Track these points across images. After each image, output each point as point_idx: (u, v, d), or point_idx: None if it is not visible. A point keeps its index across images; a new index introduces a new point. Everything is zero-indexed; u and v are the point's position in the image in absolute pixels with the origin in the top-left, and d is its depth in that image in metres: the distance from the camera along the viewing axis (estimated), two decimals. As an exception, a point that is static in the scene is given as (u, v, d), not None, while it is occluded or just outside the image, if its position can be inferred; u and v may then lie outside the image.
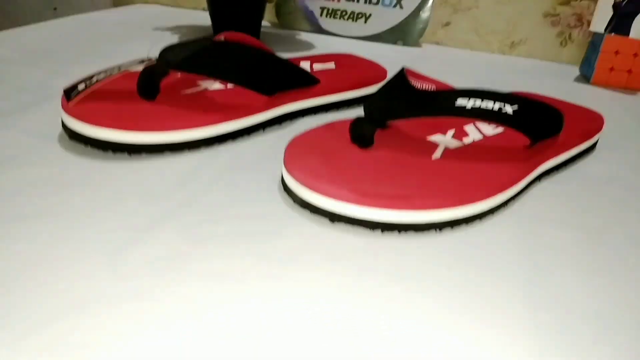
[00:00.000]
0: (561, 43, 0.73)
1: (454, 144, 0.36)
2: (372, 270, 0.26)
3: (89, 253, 0.26)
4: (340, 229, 0.30)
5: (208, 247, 0.27)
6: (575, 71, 0.70)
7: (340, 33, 0.78)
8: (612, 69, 0.64)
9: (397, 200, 0.29)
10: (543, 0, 0.72)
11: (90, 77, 0.38)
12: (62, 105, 0.37)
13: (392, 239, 0.29)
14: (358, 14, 0.76)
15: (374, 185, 0.30)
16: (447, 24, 0.77)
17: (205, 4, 0.69)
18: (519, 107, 0.34)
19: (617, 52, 0.62)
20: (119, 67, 0.38)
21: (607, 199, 0.36)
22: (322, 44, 0.73)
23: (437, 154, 0.34)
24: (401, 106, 0.34)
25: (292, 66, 0.43)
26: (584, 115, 0.45)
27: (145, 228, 0.28)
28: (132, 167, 0.35)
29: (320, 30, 0.79)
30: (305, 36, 0.77)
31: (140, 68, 0.38)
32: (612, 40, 0.62)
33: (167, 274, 0.25)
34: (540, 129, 0.35)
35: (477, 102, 0.34)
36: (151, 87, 0.38)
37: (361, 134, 0.34)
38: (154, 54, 0.39)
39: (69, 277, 0.24)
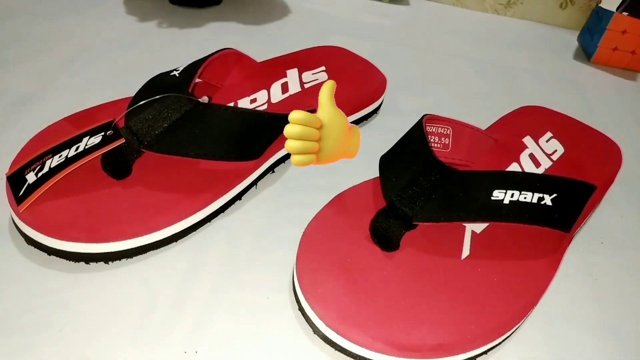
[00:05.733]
0: (561, 5, 0.66)
1: (480, 226, 0.32)
2: None
3: None
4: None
5: None
6: (573, 40, 0.65)
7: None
8: (615, 49, 0.59)
9: (432, 351, 0.26)
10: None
11: (41, 159, 0.30)
12: (8, 200, 0.29)
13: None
14: (337, -36, 0.65)
15: (406, 331, 0.26)
16: (438, -24, 0.67)
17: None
18: (557, 194, 0.31)
19: (624, 32, 0.57)
20: (77, 150, 0.30)
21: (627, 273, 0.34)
22: (299, 5, 0.63)
23: (466, 250, 0.31)
24: (432, 205, 0.29)
25: (283, 118, 0.36)
26: (605, 154, 0.41)
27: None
28: (111, 277, 0.29)
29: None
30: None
31: (104, 147, 0.30)
32: (622, 20, 0.56)
33: None
34: (575, 214, 0.32)
35: (515, 195, 0.30)
36: (122, 169, 0.30)
37: (387, 238, 0.29)
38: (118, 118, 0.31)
39: None
